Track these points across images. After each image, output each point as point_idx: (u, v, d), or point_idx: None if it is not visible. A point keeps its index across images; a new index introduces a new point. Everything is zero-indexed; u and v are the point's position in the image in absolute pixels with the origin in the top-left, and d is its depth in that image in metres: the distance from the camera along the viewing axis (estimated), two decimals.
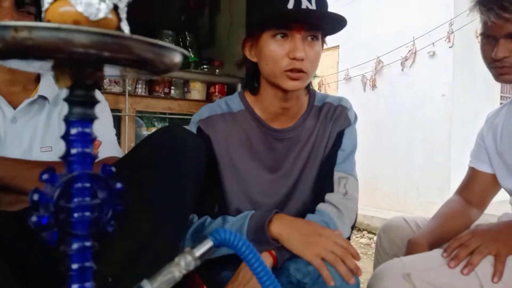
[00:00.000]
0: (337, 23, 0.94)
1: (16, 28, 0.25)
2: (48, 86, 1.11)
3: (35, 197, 0.30)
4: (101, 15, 0.30)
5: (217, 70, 2.48)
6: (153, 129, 2.35)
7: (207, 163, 0.99)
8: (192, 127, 1.05)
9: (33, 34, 0.25)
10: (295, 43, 0.92)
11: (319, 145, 1.08)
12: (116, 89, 2.09)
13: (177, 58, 0.31)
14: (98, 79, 0.31)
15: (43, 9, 0.31)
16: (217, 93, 2.40)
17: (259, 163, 1.06)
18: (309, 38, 0.95)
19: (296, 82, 0.96)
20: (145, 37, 0.28)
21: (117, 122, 2.07)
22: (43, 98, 1.09)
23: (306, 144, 1.08)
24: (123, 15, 0.31)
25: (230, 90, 2.45)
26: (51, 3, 0.30)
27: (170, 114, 2.31)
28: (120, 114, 2.08)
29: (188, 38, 2.73)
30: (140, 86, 2.20)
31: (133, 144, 2.12)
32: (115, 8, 0.31)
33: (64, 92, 1.06)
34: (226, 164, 1.05)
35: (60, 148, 1.07)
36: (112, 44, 0.26)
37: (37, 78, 1.12)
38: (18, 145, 1.03)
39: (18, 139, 1.03)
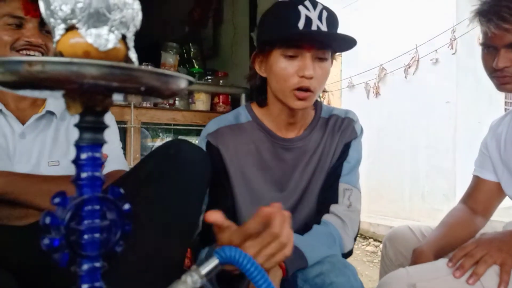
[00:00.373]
0: (346, 43, 0.96)
1: (30, 63, 0.26)
2: (56, 101, 1.12)
3: (47, 220, 0.31)
4: (110, 45, 0.31)
5: (221, 81, 2.50)
6: (158, 140, 2.36)
7: (219, 175, 1.00)
8: (201, 143, 1.06)
9: (46, 68, 0.26)
10: (305, 61, 0.94)
11: (326, 156, 1.09)
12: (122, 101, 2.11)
13: (183, 84, 0.32)
14: (107, 105, 0.32)
15: (55, 40, 0.32)
16: (221, 104, 2.42)
17: (268, 175, 1.07)
18: (319, 56, 0.96)
19: (303, 102, 0.97)
20: (152, 68, 0.29)
21: (123, 133, 2.09)
22: (50, 113, 1.10)
23: (314, 155, 1.08)
24: (131, 44, 0.33)
25: (235, 101, 2.46)
26: (62, 35, 0.31)
27: (175, 125, 2.33)
28: (125, 126, 2.10)
29: (192, 49, 2.76)
30: None
31: (138, 155, 2.14)
32: (123, 37, 0.33)
33: None
34: (237, 176, 1.05)
35: (67, 162, 1.09)
36: (121, 75, 0.28)
37: None
38: (27, 160, 1.04)
39: (27, 155, 1.05)
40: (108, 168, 1.10)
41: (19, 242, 0.93)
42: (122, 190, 0.35)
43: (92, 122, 0.32)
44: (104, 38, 0.31)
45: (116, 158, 1.16)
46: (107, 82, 0.27)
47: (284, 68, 0.95)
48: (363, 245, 4.14)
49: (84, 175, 0.33)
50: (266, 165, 1.07)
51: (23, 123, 1.06)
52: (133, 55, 0.33)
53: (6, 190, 0.94)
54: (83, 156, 0.32)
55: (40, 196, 0.96)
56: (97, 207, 0.33)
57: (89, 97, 0.31)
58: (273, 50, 0.97)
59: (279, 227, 0.63)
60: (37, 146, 1.06)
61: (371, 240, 4.35)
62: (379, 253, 3.83)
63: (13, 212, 0.97)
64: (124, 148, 2.05)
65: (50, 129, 1.10)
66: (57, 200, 0.32)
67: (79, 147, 0.33)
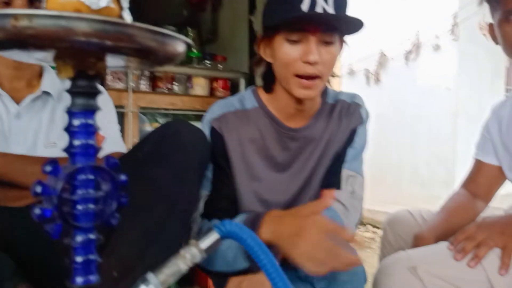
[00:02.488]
0: (353, 26, 0.91)
1: (16, 17, 0.24)
2: (52, 81, 1.11)
3: (38, 189, 0.30)
4: (103, 4, 0.29)
5: (220, 66, 2.48)
6: (157, 125, 2.34)
7: (221, 162, 0.98)
8: (204, 127, 1.02)
9: (34, 23, 0.24)
10: (309, 46, 0.89)
11: (332, 143, 1.06)
12: (120, 85, 2.09)
13: (180, 47, 0.30)
14: (100, 69, 0.30)
15: None
16: (220, 89, 2.40)
17: (272, 162, 1.05)
18: (325, 40, 0.91)
19: (309, 91, 0.93)
20: (148, 25, 0.27)
21: (121, 118, 2.07)
22: (46, 93, 1.09)
23: (319, 143, 1.06)
24: (125, 4, 0.31)
25: (233, 86, 2.44)
26: None
27: (173, 110, 2.31)
28: (123, 110, 2.08)
29: (190, 33, 2.72)
30: (143, 82, 2.20)
31: (136, 140, 2.12)
32: None
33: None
34: (239, 162, 1.02)
35: (64, 144, 1.07)
36: (114, 32, 0.26)
37: (41, 74, 1.11)
38: (22, 141, 1.03)
39: (22, 135, 1.03)
40: (105, 150, 1.09)
41: (15, 224, 0.92)
42: (117, 161, 0.34)
43: (84, 87, 0.31)
44: None
45: (113, 140, 1.14)
46: (99, 40, 0.26)
47: (288, 53, 0.91)
48: (361, 231, 4.16)
49: (77, 142, 0.31)
50: (270, 153, 1.05)
51: (18, 103, 1.04)
52: (127, 16, 0.31)
53: (2, 171, 0.93)
54: (76, 122, 0.31)
55: (36, 177, 0.94)
56: (91, 176, 0.31)
57: (81, 60, 0.29)
58: (276, 34, 0.92)
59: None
60: (33, 126, 1.05)
61: (369, 226, 4.36)
62: (377, 239, 3.85)
63: (9, 193, 0.96)
64: (121, 132, 2.03)
65: (46, 110, 1.08)
66: (48, 168, 0.30)
67: (71, 113, 0.31)
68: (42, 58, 0.30)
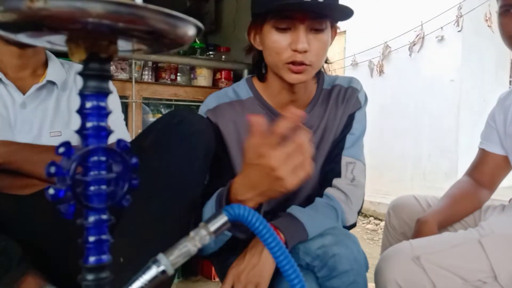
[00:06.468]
0: (343, 13, 0.90)
1: None
2: (56, 71, 1.11)
3: (52, 170, 0.30)
4: None
5: (223, 56, 2.47)
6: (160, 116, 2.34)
7: (218, 152, 0.98)
8: None
9: (49, 4, 0.25)
10: (298, 34, 0.89)
11: (330, 130, 1.06)
12: (123, 75, 2.09)
13: (191, 31, 0.31)
14: (112, 52, 0.31)
15: None
16: (223, 79, 2.39)
17: None
18: (314, 28, 0.90)
19: (300, 76, 0.93)
20: (161, 7, 0.27)
21: (124, 109, 2.08)
22: (51, 83, 1.09)
23: (317, 130, 1.06)
24: None
25: (237, 76, 2.44)
26: None
27: (176, 100, 2.31)
28: (127, 101, 2.08)
29: None
30: (146, 72, 2.19)
31: (140, 131, 2.13)
32: None
33: (72, 77, 1.05)
34: (237, 152, 1.03)
35: (69, 132, 1.08)
36: (127, 14, 0.26)
37: (45, 63, 1.12)
38: (28, 130, 1.04)
39: (28, 125, 1.04)
40: (110, 139, 1.09)
41: (22, 211, 0.93)
42: (128, 144, 0.34)
43: (96, 70, 0.31)
44: None
45: (117, 129, 1.15)
46: (112, 22, 0.26)
47: (276, 41, 0.91)
48: (363, 223, 4.17)
49: (89, 124, 0.31)
50: None
51: (23, 93, 1.05)
52: None
53: (8, 160, 0.94)
54: (88, 105, 0.31)
55: (42, 165, 0.95)
56: (103, 158, 0.32)
57: (93, 42, 0.29)
58: (265, 23, 0.93)
59: (303, 138, 0.62)
60: (39, 116, 1.05)
61: (371, 218, 4.38)
62: (379, 231, 3.86)
63: (15, 181, 0.97)
64: (125, 123, 2.03)
65: (51, 99, 1.08)
66: (61, 150, 0.31)
67: (83, 96, 0.31)
68: (53, 40, 0.31)
